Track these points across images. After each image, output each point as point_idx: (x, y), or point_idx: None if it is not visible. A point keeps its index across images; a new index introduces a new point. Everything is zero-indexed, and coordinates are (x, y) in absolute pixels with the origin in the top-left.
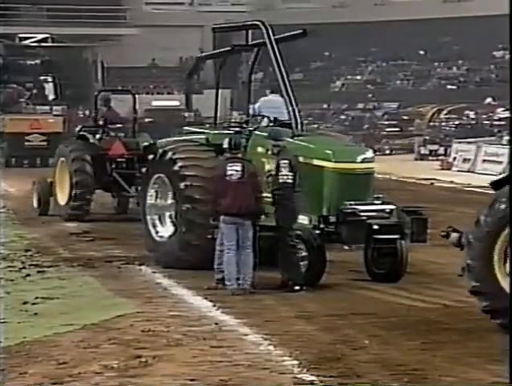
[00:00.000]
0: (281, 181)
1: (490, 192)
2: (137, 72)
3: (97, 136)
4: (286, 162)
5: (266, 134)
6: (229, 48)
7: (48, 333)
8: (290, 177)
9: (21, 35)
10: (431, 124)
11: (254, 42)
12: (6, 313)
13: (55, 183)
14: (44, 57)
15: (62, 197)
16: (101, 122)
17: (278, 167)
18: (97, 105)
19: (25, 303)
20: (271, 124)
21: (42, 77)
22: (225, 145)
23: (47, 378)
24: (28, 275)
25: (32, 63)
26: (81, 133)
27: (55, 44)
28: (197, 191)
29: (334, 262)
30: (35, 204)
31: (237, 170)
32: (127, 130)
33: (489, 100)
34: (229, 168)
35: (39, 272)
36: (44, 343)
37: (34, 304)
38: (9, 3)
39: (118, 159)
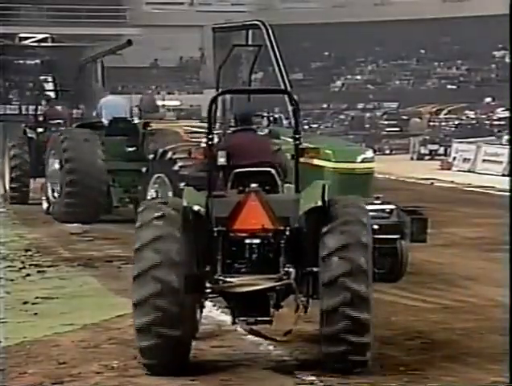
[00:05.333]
0: None
1: (490, 192)
2: (137, 72)
3: (39, 130)
4: None
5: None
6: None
7: (48, 333)
8: None
9: (21, 35)
10: (431, 124)
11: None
12: (6, 313)
13: (4, 173)
14: (44, 57)
15: (7, 183)
16: (40, 119)
17: None
18: (37, 104)
19: (25, 303)
20: (272, 124)
21: (42, 77)
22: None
23: (47, 378)
24: (28, 275)
25: (32, 63)
26: (24, 128)
27: (55, 44)
28: None
29: None
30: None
31: None
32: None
33: (488, 99)
34: None
35: (39, 272)
36: (44, 343)
37: (34, 304)
38: (9, 3)
39: None
